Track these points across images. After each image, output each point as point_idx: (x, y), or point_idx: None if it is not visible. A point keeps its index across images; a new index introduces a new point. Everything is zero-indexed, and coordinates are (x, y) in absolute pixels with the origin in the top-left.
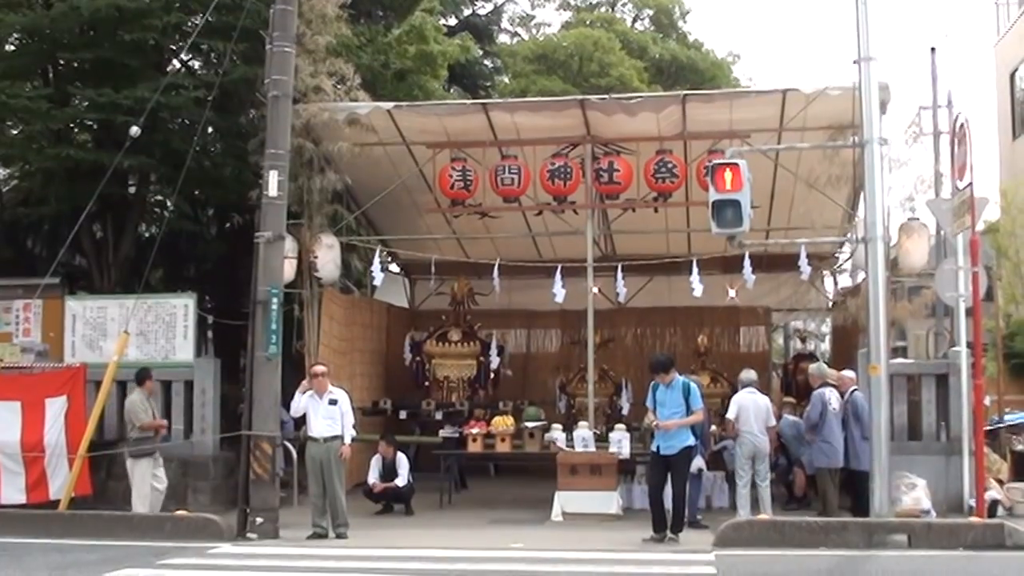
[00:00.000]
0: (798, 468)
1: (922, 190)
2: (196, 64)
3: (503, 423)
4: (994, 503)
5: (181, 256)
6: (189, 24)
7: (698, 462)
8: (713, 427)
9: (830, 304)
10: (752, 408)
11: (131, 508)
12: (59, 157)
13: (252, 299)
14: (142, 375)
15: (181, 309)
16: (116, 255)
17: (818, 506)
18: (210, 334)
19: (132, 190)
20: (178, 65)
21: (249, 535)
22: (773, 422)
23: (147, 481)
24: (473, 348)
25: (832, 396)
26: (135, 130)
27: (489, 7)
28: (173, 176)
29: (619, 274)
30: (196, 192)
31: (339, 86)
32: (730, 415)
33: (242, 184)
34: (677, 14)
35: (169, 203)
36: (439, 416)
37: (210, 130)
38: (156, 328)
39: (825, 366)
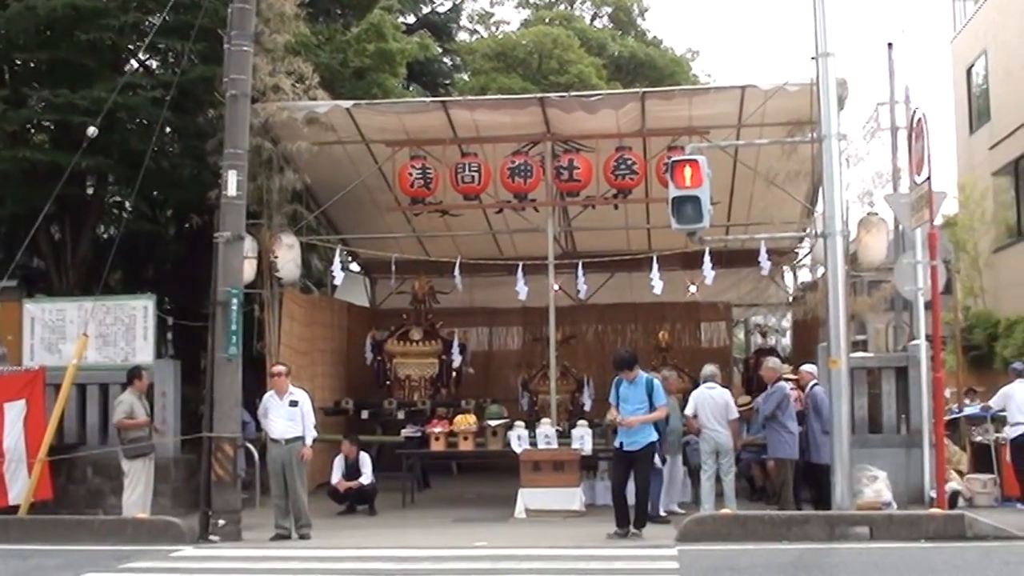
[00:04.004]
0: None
1: (880, 185)
2: (154, 64)
3: (465, 421)
4: (955, 494)
5: (140, 257)
6: (146, 23)
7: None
8: None
9: (790, 299)
10: (709, 404)
11: (97, 512)
12: (15, 159)
13: (212, 300)
14: (132, 373)
15: (140, 311)
16: (74, 257)
17: (775, 496)
18: (170, 335)
19: (90, 191)
20: (136, 65)
21: (211, 537)
22: (735, 415)
23: (142, 482)
24: (435, 347)
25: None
26: (92, 131)
27: (448, 5)
28: (131, 177)
29: (580, 271)
30: (154, 192)
31: (298, 85)
32: (688, 411)
33: (201, 184)
34: (636, 11)
35: (127, 204)
36: (401, 415)
37: (168, 130)
38: (116, 330)
39: (780, 362)
